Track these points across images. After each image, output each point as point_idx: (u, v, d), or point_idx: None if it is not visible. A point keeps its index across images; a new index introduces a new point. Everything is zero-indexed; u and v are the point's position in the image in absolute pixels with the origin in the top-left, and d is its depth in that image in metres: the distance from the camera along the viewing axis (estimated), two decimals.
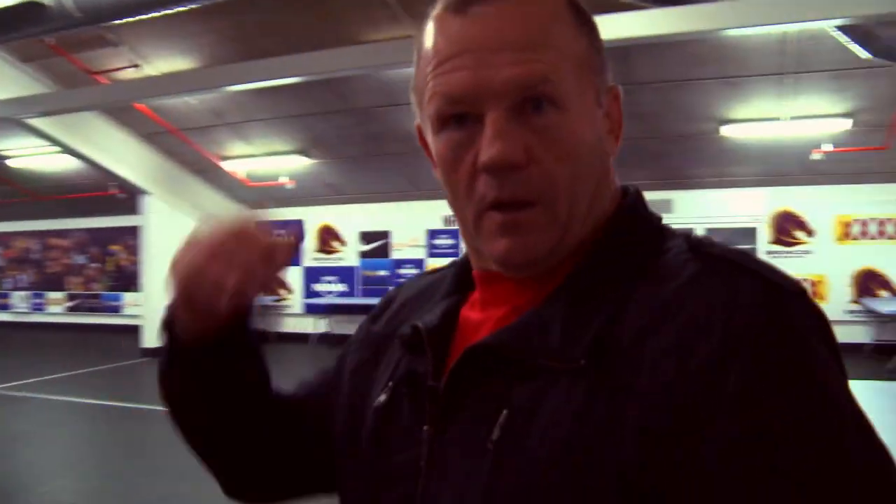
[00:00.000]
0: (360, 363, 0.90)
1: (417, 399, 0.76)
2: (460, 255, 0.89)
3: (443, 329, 0.79)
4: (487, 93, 0.68)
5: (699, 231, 0.78)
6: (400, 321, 0.87)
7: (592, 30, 0.75)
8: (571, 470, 0.62)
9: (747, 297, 0.63)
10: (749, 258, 0.67)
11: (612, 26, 5.78)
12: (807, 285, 10.32)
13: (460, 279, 0.85)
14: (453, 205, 0.75)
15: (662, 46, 7.07)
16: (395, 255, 12.61)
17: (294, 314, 13.43)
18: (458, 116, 0.70)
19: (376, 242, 12.80)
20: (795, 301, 0.64)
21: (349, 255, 13.04)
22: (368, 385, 0.85)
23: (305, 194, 12.55)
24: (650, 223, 0.76)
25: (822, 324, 0.65)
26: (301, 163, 11.43)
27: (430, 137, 0.76)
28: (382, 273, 12.72)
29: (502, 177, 0.68)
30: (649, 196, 0.80)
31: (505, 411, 0.67)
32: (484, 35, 0.68)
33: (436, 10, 0.73)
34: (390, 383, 0.81)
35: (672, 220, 0.85)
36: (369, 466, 0.79)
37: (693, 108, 8.68)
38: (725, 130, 8.92)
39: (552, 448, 0.64)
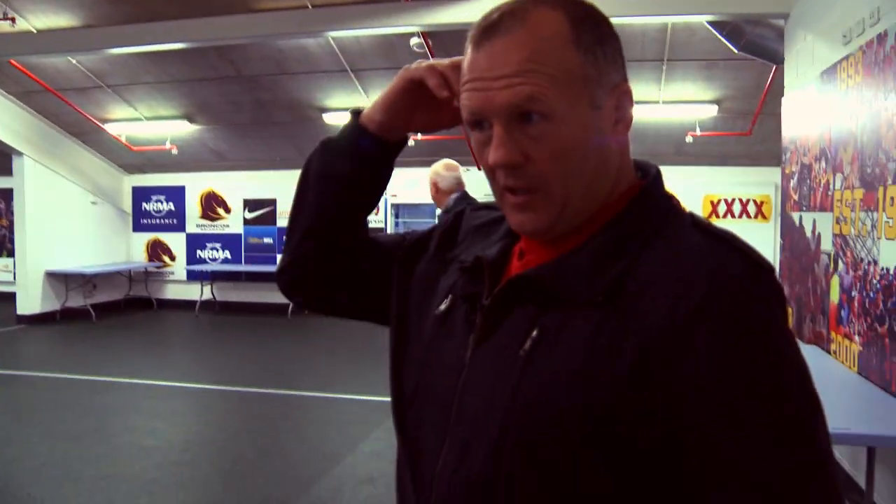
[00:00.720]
0: (426, 273, 1.14)
1: (471, 313, 0.99)
2: None
3: (499, 262, 1.02)
4: (491, 110, 0.89)
5: None
6: (462, 248, 1.12)
7: (593, 44, 0.91)
8: (580, 379, 0.84)
9: (734, 266, 0.83)
10: (738, 239, 0.88)
11: None
12: None
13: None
14: (489, 183, 0.97)
15: None
16: (282, 222, 12.55)
17: (177, 281, 13.20)
18: (478, 122, 0.93)
19: (263, 210, 12.71)
20: (767, 276, 0.84)
21: (234, 222, 12.91)
22: (430, 294, 1.10)
23: (189, 160, 12.34)
24: (665, 201, 0.96)
25: (782, 297, 0.86)
26: (186, 128, 11.24)
27: None
28: (267, 241, 12.68)
29: (507, 172, 0.91)
30: None
31: (536, 330, 0.89)
32: (489, 65, 0.89)
33: (469, 35, 0.94)
34: (450, 296, 1.05)
35: None
36: (425, 359, 1.04)
37: None
38: None
39: (568, 361, 0.85)
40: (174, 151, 11.69)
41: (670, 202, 0.96)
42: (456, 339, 0.99)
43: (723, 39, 6.50)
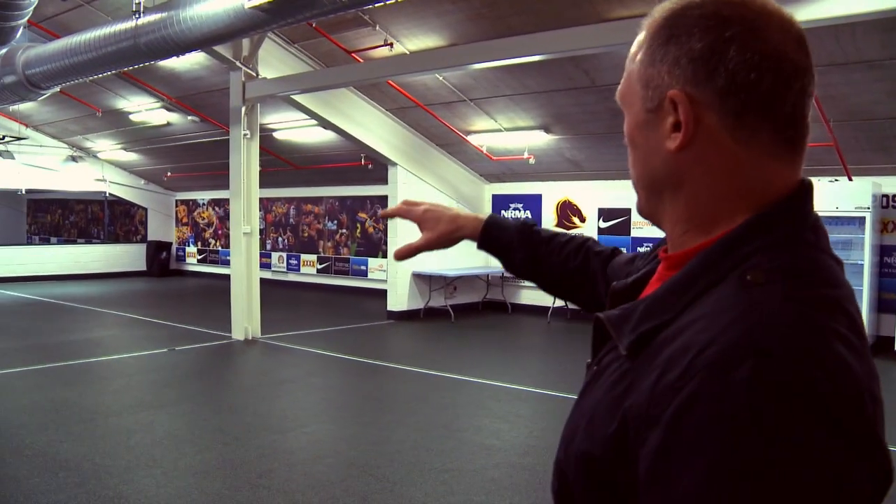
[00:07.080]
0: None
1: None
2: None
3: (628, 292, 1.02)
4: None
5: None
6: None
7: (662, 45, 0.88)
8: (590, 428, 0.86)
9: (727, 339, 0.72)
10: (767, 312, 0.73)
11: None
12: None
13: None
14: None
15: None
16: (635, 233, 12.38)
17: (532, 287, 13.47)
18: None
19: (617, 219, 12.62)
20: (762, 362, 0.69)
21: (588, 231, 12.94)
22: None
23: (545, 170, 12.63)
24: (735, 249, 0.82)
25: (778, 389, 0.68)
26: (542, 138, 11.50)
27: None
28: (621, 250, 12.53)
29: None
30: None
31: (595, 367, 0.95)
32: None
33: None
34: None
35: None
36: None
37: None
38: None
39: (596, 399, 0.88)
40: (531, 161, 12.02)
41: (741, 249, 0.82)
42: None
43: None
